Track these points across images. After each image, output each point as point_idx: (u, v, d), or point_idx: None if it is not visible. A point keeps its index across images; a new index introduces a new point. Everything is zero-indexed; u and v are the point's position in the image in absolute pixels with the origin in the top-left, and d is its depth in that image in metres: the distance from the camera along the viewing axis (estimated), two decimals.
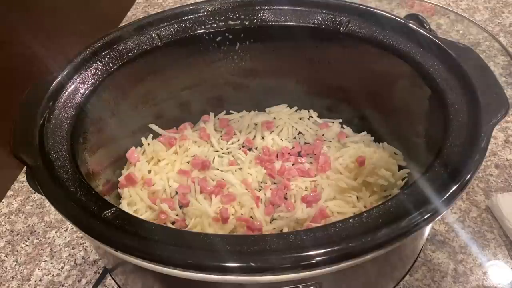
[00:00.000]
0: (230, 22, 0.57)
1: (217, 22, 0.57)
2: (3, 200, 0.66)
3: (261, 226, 0.52)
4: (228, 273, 0.33)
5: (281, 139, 0.65)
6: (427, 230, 0.50)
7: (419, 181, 0.37)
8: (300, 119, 0.68)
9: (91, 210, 0.37)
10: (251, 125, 0.67)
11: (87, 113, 0.49)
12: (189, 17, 0.57)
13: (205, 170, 0.60)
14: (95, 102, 0.50)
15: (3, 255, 0.58)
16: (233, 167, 0.61)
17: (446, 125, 0.42)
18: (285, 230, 0.53)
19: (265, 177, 0.60)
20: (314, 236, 0.34)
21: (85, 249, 0.58)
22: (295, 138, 0.66)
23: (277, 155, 0.63)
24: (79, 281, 0.55)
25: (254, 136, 0.66)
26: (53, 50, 0.58)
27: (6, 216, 0.63)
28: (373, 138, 0.64)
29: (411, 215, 0.34)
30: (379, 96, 0.58)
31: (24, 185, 0.67)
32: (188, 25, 0.57)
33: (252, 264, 0.32)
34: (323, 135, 0.65)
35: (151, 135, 0.63)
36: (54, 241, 0.60)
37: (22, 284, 0.55)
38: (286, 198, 0.57)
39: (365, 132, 0.64)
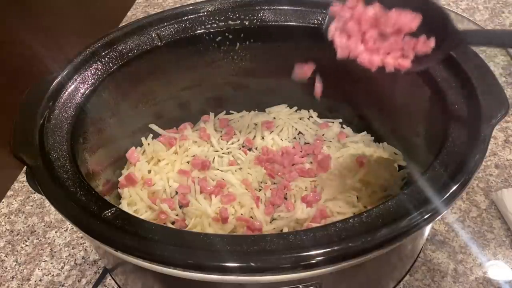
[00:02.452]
0: (230, 22, 0.57)
1: (217, 22, 0.57)
2: (3, 200, 0.66)
3: (261, 226, 0.52)
4: (228, 273, 0.33)
5: (281, 139, 0.65)
6: (427, 230, 0.50)
7: (419, 181, 0.37)
8: (300, 119, 0.68)
9: (91, 210, 0.37)
10: (251, 125, 0.67)
11: (87, 113, 0.49)
12: (189, 17, 0.57)
13: (205, 170, 0.60)
14: (95, 102, 0.50)
15: (3, 255, 0.58)
16: (233, 167, 0.61)
17: (446, 125, 0.42)
18: (285, 230, 0.53)
19: (265, 177, 0.60)
20: (314, 236, 0.34)
21: (85, 249, 0.58)
22: (295, 138, 0.66)
23: (282, 153, 0.63)
24: (79, 281, 0.55)
25: (254, 136, 0.66)
26: (53, 50, 0.58)
27: (6, 216, 0.63)
28: (373, 138, 0.64)
29: (411, 215, 0.34)
30: (379, 96, 0.58)
31: (24, 185, 0.67)
32: (188, 25, 0.57)
33: (252, 264, 0.32)
34: (323, 135, 0.65)
35: (151, 135, 0.63)
36: (54, 241, 0.60)
37: (22, 284, 0.55)
38: (286, 198, 0.57)
39: (365, 132, 0.64)
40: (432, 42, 0.39)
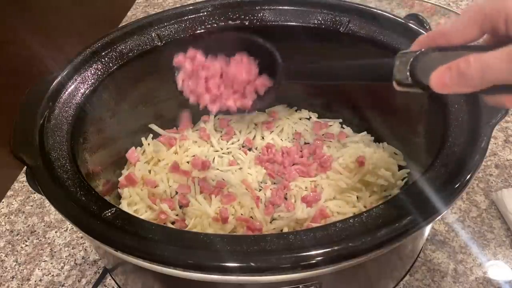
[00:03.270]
0: (230, 22, 0.57)
1: (217, 22, 0.57)
2: (3, 200, 0.66)
3: (261, 226, 0.52)
4: (228, 273, 0.33)
5: (281, 139, 0.65)
6: (427, 230, 0.50)
7: (419, 181, 0.37)
8: (300, 119, 0.68)
9: (91, 210, 0.37)
10: (251, 125, 0.67)
11: (87, 113, 0.49)
12: (189, 17, 0.57)
13: (205, 170, 0.60)
14: (95, 102, 0.50)
15: (3, 255, 0.58)
16: (233, 167, 0.61)
17: (446, 125, 0.42)
18: (285, 230, 0.53)
19: (265, 177, 0.60)
20: (314, 236, 0.34)
21: (85, 249, 0.58)
22: (295, 138, 0.66)
23: (282, 153, 0.63)
24: (79, 281, 0.55)
25: (254, 136, 0.66)
26: (53, 50, 0.58)
27: (6, 216, 0.63)
28: (373, 138, 0.64)
29: (411, 215, 0.34)
30: (379, 96, 0.58)
31: (24, 185, 0.68)
32: (188, 25, 0.57)
33: (252, 264, 0.32)
34: (323, 135, 0.65)
35: (151, 135, 0.63)
36: (54, 241, 0.60)
37: (22, 284, 0.55)
38: (286, 198, 0.57)
39: (365, 132, 0.64)
40: (268, 81, 0.43)
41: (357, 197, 0.56)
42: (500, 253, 0.54)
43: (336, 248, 0.33)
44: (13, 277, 0.56)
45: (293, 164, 0.61)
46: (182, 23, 0.57)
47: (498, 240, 0.56)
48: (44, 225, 0.62)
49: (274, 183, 0.60)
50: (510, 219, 0.56)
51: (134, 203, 0.56)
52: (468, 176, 0.37)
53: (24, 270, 0.57)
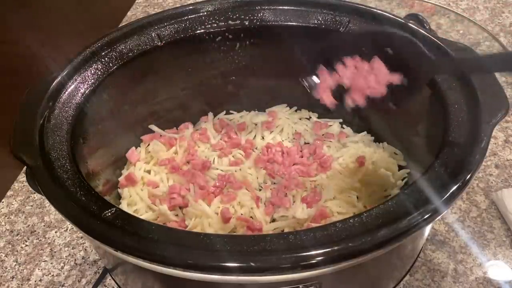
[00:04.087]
0: (230, 22, 0.57)
1: (217, 22, 0.57)
2: (3, 200, 0.66)
3: (261, 226, 0.52)
4: (228, 273, 0.33)
5: (281, 139, 0.65)
6: (427, 230, 0.50)
7: (419, 181, 0.37)
8: (300, 119, 0.68)
9: (91, 210, 0.37)
10: (251, 125, 0.67)
11: (87, 113, 0.49)
12: (189, 17, 0.57)
13: (205, 170, 0.60)
14: (95, 102, 0.50)
15: (3, 255, 0.59)
16: (233, 167, 0.61)
17: (446, 125, 0.42)
18: (285, 230, 0.53)
19: (265, 177, 0.60)
20: (314, 236, 0.34)
21: (85, 249, 0.58)
22: (294, 138, 0.66)
23: (282, 153, 0.63)
24: (79, 281, 0.55)
25: (254, 136, 0.66)
26: (53, 50, 0.58)
27: (6, 216, 0.63)
28: (373, 138, 0.64)
29: (411, 215, 0.34)
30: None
31: (24, 185, 0.67)
32: (188, 25, 0.57)
33: (252, 264, 0.32)
34: (323, 135, 0.65)
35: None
36: (54, 241, 0.60)
37: (22, 284, 0.55)
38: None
39: (365, 132, 0.64)
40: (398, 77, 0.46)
41: (357, 197, 0.56)
42: (500, 253, 0.54)
43: (336, 248, 0.33)
44: (13, 277, 0.56)
45: (293, 164, 0.61)
46: (182, 23, 0.57)
47: (498, 240, 0.56)
48: (44, 225, 0.62)
49: (274, 183, 0.60)
50: (510, 219, 0.56)
51: (134, 203, 0.56)
52: (468, 176, 0.37)
53: (24, 270, 0.57)
